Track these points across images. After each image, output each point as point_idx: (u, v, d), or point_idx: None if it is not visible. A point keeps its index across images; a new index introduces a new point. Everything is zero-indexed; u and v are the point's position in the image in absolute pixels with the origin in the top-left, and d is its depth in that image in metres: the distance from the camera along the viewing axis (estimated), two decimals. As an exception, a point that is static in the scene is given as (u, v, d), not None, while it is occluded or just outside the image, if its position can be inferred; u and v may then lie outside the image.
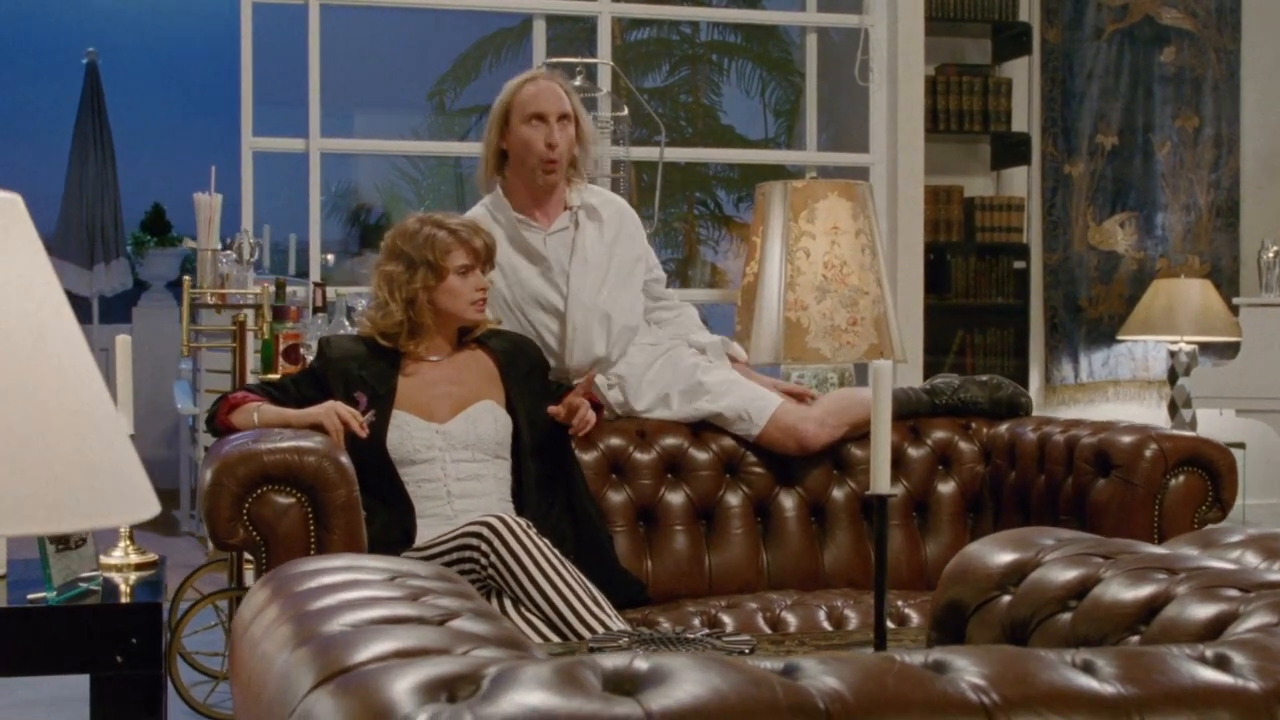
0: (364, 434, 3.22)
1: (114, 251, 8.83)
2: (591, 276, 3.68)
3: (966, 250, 6.22)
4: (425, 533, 3.23)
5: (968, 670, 1.21)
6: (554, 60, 5.21)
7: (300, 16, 5.38)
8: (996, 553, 1.87)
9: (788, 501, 3.66)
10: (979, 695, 1.17)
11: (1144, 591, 1.61)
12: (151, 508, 1.49)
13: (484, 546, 2.98)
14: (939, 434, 3.75)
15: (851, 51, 5.76)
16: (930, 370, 5.98)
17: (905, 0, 5.66)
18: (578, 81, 5.06)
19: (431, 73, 9.31)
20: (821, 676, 1.17)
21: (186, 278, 4.01)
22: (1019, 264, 6.28)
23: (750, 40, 9.41)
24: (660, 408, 3.71)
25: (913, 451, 3.73)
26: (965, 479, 3.73)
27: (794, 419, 3.64)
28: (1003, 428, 3.71)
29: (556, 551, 3.02)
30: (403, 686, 1.18)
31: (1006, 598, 1.80)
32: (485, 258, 3.43)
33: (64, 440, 1.30)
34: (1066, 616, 1.69)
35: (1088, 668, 1.23)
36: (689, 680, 1.15)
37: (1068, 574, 1.73)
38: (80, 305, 10.04)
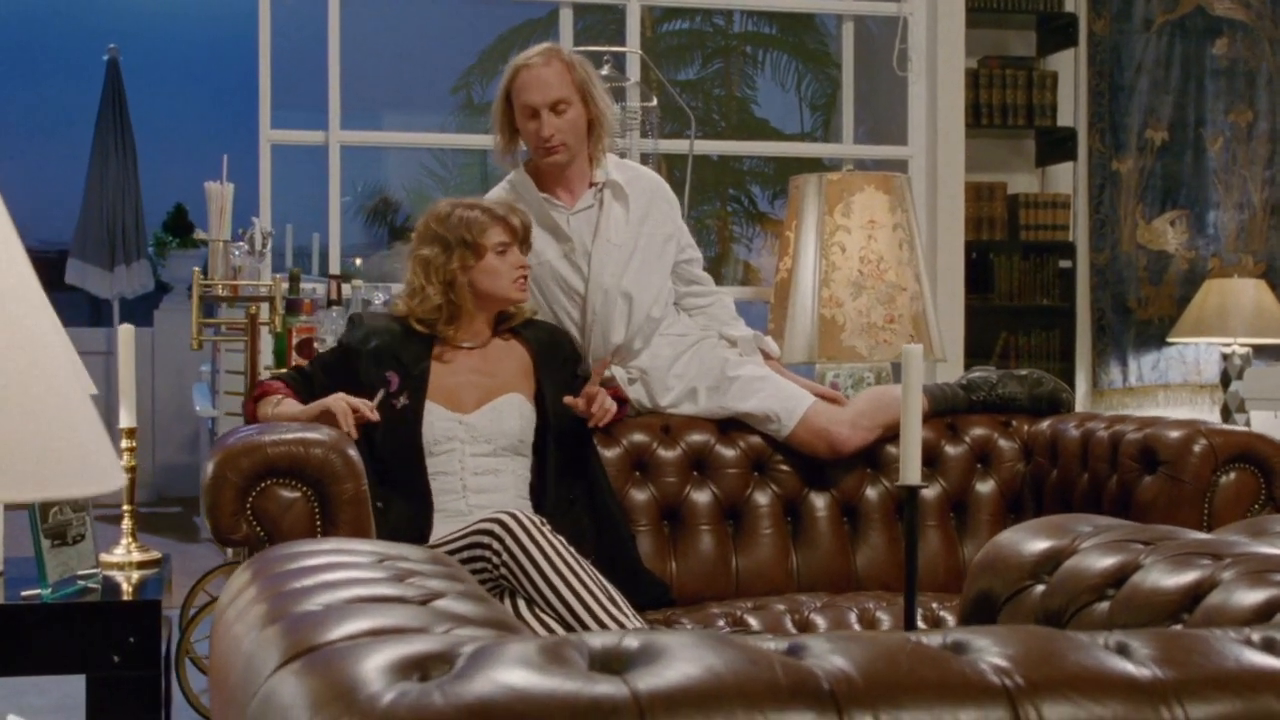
0: (374, 418, 3.16)
1: (135, 253, 8.78)
2: (614, 257, 3.60)
3: (1010, 249, 6.11)
4: (438, 529, 3.16)
5: (989, 650, 1.13)
6: (581, 49, 5.13)
7: (320, 7, 5.32)
8: (1030, 540, 1.79)
9: (818, 501, 3.58)
10: (1001, 677, 1.09)
11: (1187, 578, 1.53)
12: (111, 481, 1.42)
13: (496, 545, 2.90)
14: (977, 431, 3.67)
15: (890, 42, 5.68)
16: (972, 374, 5.87)
17: (946, -13, 5.57)
18: (605, 71, 4.99)
19: (455, 67, 9.26)
20: (828, 656, 1.10)
21: (196, 269, 3.96)
22: (1065, 264, 6.17)
23: (785, 31, 9.29)
24: (686, 403, 3.63)
25: (950, 449, 3.65)
26: (1005, 477, 3.64)
27: (825, 421, 3.56)
28: (1044, 424, 3.63)
29: (572, 549, 2.94)
30: (372, 665, 1.11)
31: (1040, 588, 1.72)
32: (523, 236, 3.36)
33: (13, 404, 1.23)
34: (1104, 606, 1.61)
35: (1122, 650, 1.15)
36: (681, 658, 1.08)
37: (1105, 561, 1.65)
38: (101, 308, 10.03)
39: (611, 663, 1.09)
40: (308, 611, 1.31)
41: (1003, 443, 3.66)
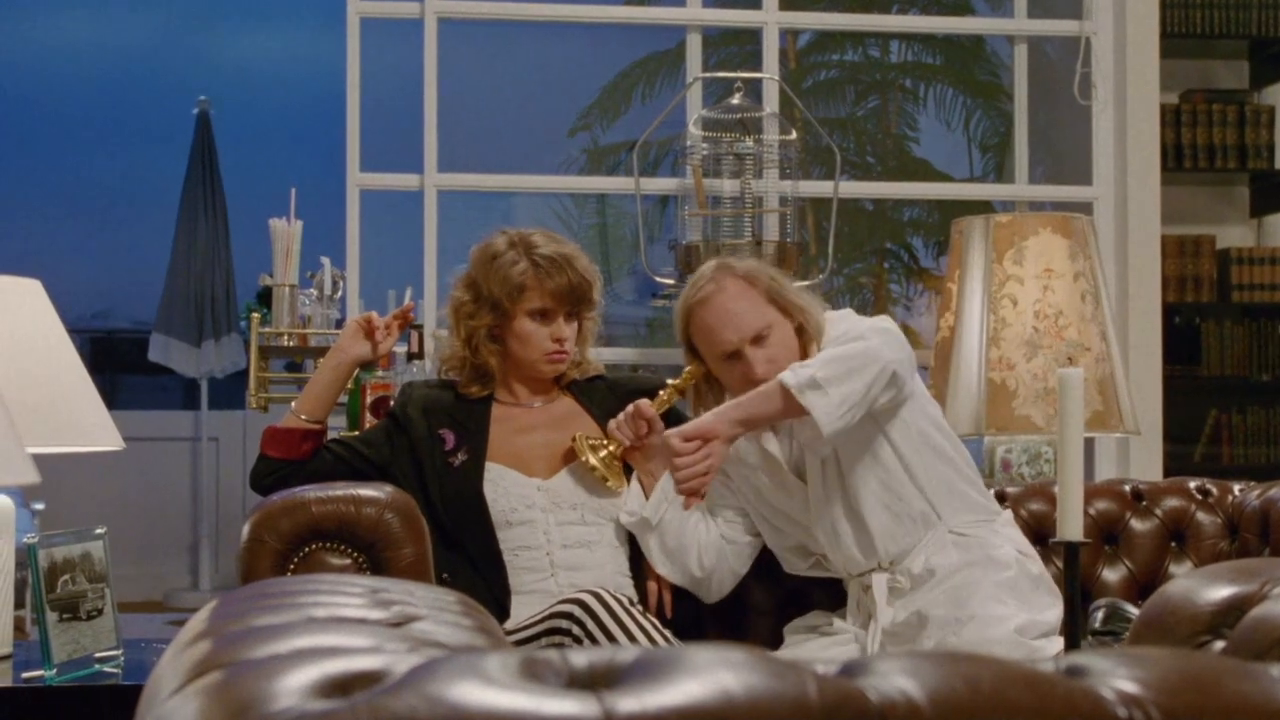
0: (395, 331, 3.31)
1: (225, 326, 8.76)
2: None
3: (1221, 313, 5.95)
4: (521, 611, 3.01)
5: (1115, 674, 0.92)
6: (709, 75, 5.04)
7: (416, 42, 5.27)
8: (1207, 588, 1.57)
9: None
10: (1129, 708, 0.88)
11: None
12: (27, 475, 1.29)
13: (576, 630, 2.76)
14: (1171, 502, 3.50)
15: (1070, 71, 5.48)
16: (1174, 460, 5.60)
17: (1135, 4, 5.37)
18: (736, 100, 4.87)
19: (573, 106, 9.25)
20: (891, 676, 0.91)
21: (255, 315, 3.87)
22: (1287, 330, 5.99)
23: (952, 62, 9.06)
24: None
25: (1136, 524, 3.48)
26: (1205, 558, 3.46)
27: None
28: (1253, 494, 3.43)
29: (668, 633, 2.78)
30: (287, 684, 0.95)
31: (1220, 644, 1.51)
32: (573, 300, 3.21)
33: None
34: (1302, 661, 1.39)
35: (1306, 680, 0.94)
36: (686, 676, 0.90)
37: (1305, 606, 1.43)
38: (189, 389, 10.05)
39: (595, 680, 0.91)
40: (238, 630, 1.15)
41: (1201, 516, 3.49)
